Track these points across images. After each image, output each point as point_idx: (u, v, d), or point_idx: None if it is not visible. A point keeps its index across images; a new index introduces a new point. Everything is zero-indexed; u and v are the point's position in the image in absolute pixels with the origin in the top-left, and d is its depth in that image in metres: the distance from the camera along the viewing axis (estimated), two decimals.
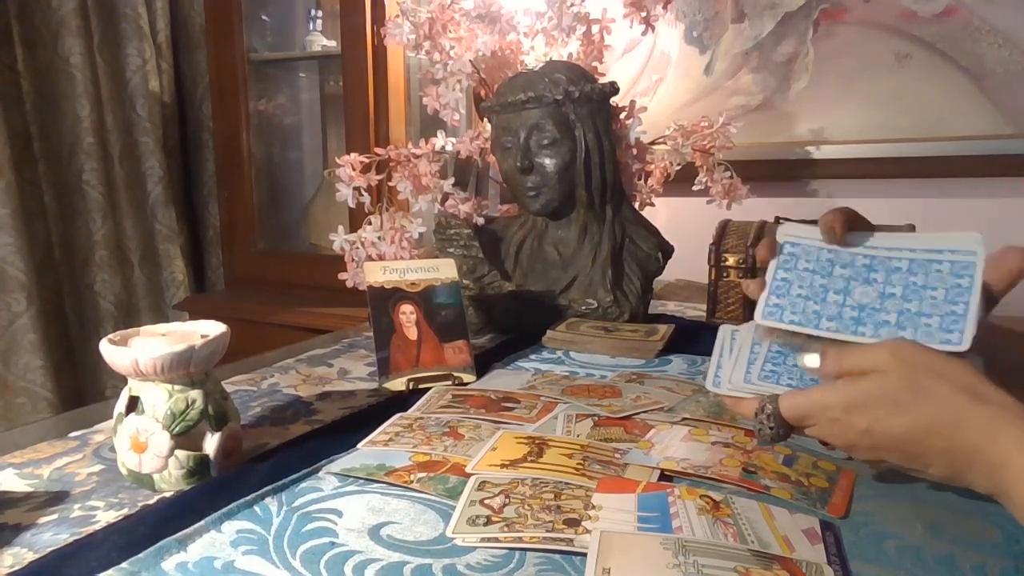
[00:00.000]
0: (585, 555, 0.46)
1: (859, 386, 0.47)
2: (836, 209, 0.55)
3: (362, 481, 0.58)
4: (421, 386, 0.82)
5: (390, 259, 1.19)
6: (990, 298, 0.50)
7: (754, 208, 1.26)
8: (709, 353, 0.94)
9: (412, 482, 0.57)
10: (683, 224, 1.43)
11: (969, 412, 0.43)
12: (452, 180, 1.20)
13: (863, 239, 0.54)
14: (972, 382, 0.44)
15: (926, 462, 0.46)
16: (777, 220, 1.17)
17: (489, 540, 0.49)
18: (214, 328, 0.62)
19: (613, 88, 1.09)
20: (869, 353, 0.47)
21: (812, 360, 0.50)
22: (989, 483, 0.44)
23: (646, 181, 1.33)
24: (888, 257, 0.52)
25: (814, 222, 0.56)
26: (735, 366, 0.54)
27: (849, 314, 0.51)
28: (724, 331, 0.58)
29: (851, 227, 0.55)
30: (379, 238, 1.22)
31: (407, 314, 0.85)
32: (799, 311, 0.52)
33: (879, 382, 0.46)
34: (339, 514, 0.52)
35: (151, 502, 0.56)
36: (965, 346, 0.47)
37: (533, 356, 0.96)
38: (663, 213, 1.47)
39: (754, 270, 1.08)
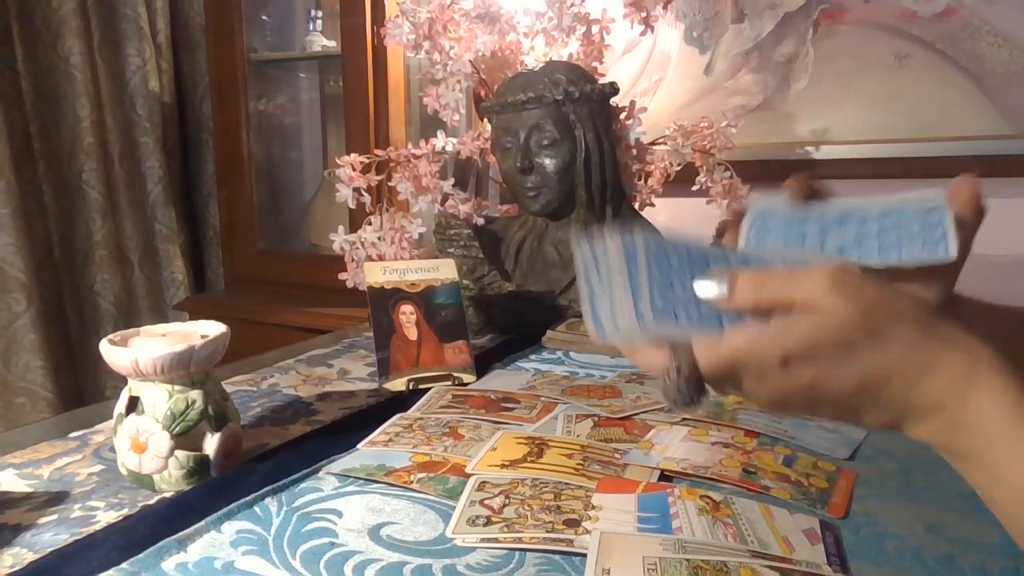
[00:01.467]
0: (585, 556, 0.46)
1: (799, 331, 0.35)
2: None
3: (362, 481, 0.58)
4: (421, 386, 0.82)
5: (390, 259, 1.19)
6: (964, 232, 0.45)
7: None
8: None
9: (412, 482, 0.57)
10: (683, 224, 1.43)
11: (939, 360, 0.36)
12: (452, 180, 1.20)
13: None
14: (931, 320, 0.36)
15: (863, 412, 0.38)
16: None
17: (489, 540, 0.49)
18: (214, 328, 0.62)
19: (613, 88, 1.09)
20: (801, 281, 0.36)
21: (708, 289, 0.37)
22: (944, 439, 0.37)
23: (646, 181, 1.33)
24: (858, 210, 0.46)
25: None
26: (615, 299, 0.38)
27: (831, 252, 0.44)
28: (582, 247, 0.40)
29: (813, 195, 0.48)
30: (379, 238, 1.22)
31: (407, 314, 0.85)
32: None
33: (824, 325, 0.35)
34: (339, 514, 0.53)
35: (151, 502, 0.56)
36: (953, 254, 0.43)
37: (533, 356, 0.96)
38: (663, 213, 1.46)
39: None
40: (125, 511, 0.54)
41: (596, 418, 0.71)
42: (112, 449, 0.61)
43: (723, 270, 0.37)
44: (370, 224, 1.23)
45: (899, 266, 0.44)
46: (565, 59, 1.24)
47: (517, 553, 0.48)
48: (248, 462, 0.62)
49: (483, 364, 0.89)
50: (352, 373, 0.90)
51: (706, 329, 0.37)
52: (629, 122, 1.16)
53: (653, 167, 1.32)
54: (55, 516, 0.54)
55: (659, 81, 1.67)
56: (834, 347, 0.35)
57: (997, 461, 0.35)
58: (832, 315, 0.35)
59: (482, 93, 1.28)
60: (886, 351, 0.35)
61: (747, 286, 0.36)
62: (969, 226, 0.46)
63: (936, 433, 0.37)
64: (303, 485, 0.57)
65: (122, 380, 0.59)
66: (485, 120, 1.21)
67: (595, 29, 1.24)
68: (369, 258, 1.21)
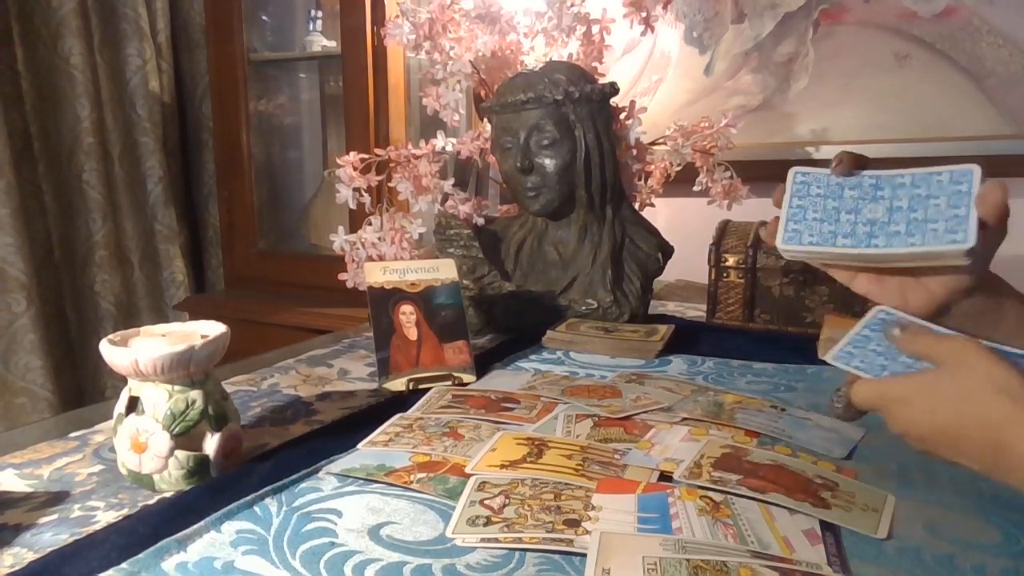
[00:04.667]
0: (585, 555, 0.46)
1: (908, 381, 0.49)
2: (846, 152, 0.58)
3: (362, 481, 0.58)
4: (421, 386, 0.82)
5: (390, 259, 1.19)
6: (988, 233, 0.51)
7: (754, 208, 1.25)
8: (709, 353, 0.95)
9: (412, 482, 0.57)
10: (683, 224, 1.43)
11: (999, 409, 0.44)
12: (452, 180, 1.20)
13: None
14: (1008, 380, 0.45)
15: (962, 453, 0.47)
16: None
17: (489, 540, 0.49)
18: (214, 328, 0.62)
19: (613, 88, 1.09)
20: (936, 344, 0.50)
21: (896, 333, 0.52)
22: (1020, 476, 0.44)
23: (646, 181, 1.33)
24: (892, 175, 0.54)
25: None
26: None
27: (862, 230, 0.53)
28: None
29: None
30: (379, 238, 1.22)
31: (407, 314, 0.85)
32: (816, 232, 0.55)
33: (924, 378, 0.48)
34: (339, 514, 0.53)
35: (151, 502, 0.56)
36: (970, 243, 0.49)
37: (533, 356, 0.96)
38: (663, 213, 1.47)
39: (755, 271, 1.08)
40: (125, 511, 0.54)
41: (596, 418, 0.71)
42: (112, 449, 0.61)
43: (905, 324, 0.53)
44: (370, 224, 1.23)
45: (922, 256, 0.51)
46: (565, 59, 1.24)
47: (517, 553, 0.48)
48: (248, 462, 0.62)
49: (483, 364, 0.89)
50: (352, 373, 0.90)
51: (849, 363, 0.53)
52: (629, 122, 1.16)
53: (653, 167, 1.32)
54: (55, 516, 0.54)
55: (659, 81, 1.67)
56: (928, 395, 0.47)
57: None
58: (937, 373, 0.48)
59: (482, 93, 1.28)
60: (966, 404, 0.46)
61: (907, 338, 0.51)
62: (993, 227, 0.51)
63: (1010, 471, 0.44)
64: (303, 485, 0.57)
65: (122, 380, 0.59)
66: (485, 120, 1.21)
67: (595, 29, 1.24)
68: (369, 258, 1.21)
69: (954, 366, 0.47)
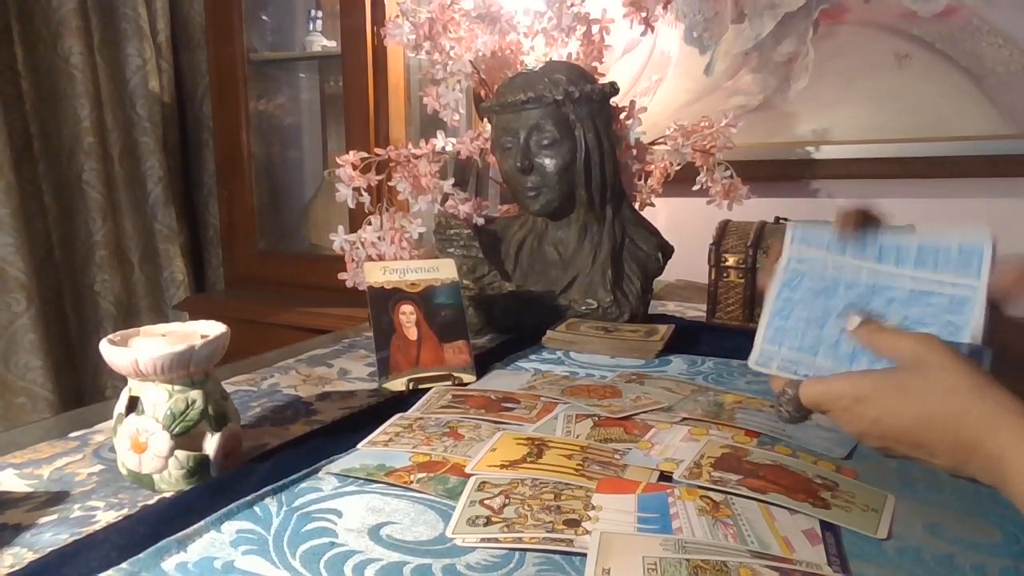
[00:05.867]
0: (585, 555, 0.46)
1: (870, 379, 0.48)
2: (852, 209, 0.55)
3: (362, 481, 0.58)
4: (421, 386, 0.82)
5: (390, 259, 1.19)
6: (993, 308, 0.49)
7: (754, 208, 1.26)
8: (709, 353, 0.95)
9: (412, 482, 0.57)
10: (683, 224, 1.43)
11: (970, 407, 0.44)
12: (452, 180, 1.20)
13: (869, 246, 0.53)
14: (977, 379, 0.45)
15: (930, 452, 0.47)
16: (777, 220, 1.17)
17: (489, 540, 0.49)
18: (214, 328, 0.62)
19: (613, 88, 1.09)
20: (898, 342, 0.49)
21: (853, 322, 0.51)
22: (990, 475, 0.44)
23: (646, 181, 1.33)
24: (887, 285, 0.52)
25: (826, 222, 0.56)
26: (756, 335, 0.55)
27: (844, 350, 0.52)
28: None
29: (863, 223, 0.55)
30: (379, 238, 1.22)
31: (407, 314, 0.85)
32: (798, 337, 0.53)
33: (889, 376, 0.48)
34: (339, 514, 0.53)
35: (151, 502, 0.56)
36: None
37: (533, 356, 0.96)
38: (663, 213, 1.47)
39: (754, 271, 1.08)
40: (125, 511, 0.54)
41: (596, 418, 0.71)
42: (112, 449, 0.61)
43: (861, 312, 0.51)
44: (370, 224, 1.23)
45: None
46: (565, 59, 1.24)
47: (517, 553, 0.48)
48: (248, 462, 0.62)
49: (483, 364, 0.89)
50: (352, 373, 0.90)
51: (796, 371, 0.52)
52: (629, 122, 1.16)
53: (653, 167, 1.32)
54: (55, 516, 0.54)
55: (659, 81, 1.67)
56: (889, 393, 0.47)
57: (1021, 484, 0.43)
58: (895, 370, 0.47)
59: (482, 93, 1.28)
60: (930, 399, 0.45)
61: (865, 333, 0.50)
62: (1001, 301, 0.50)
63: (982, 470, 0.44)
64: (303, 485, 0.57)
65: (122, 380, 0.59)
66: (485, 120, 1.21)
67: (595, 29, 1.24)
68: (369, 258, 1.21)
69: (923, 365, 0.46)
